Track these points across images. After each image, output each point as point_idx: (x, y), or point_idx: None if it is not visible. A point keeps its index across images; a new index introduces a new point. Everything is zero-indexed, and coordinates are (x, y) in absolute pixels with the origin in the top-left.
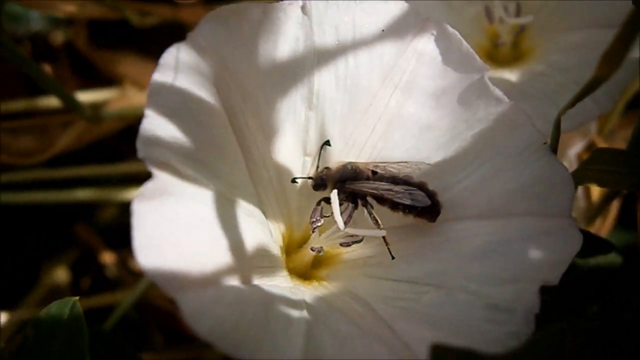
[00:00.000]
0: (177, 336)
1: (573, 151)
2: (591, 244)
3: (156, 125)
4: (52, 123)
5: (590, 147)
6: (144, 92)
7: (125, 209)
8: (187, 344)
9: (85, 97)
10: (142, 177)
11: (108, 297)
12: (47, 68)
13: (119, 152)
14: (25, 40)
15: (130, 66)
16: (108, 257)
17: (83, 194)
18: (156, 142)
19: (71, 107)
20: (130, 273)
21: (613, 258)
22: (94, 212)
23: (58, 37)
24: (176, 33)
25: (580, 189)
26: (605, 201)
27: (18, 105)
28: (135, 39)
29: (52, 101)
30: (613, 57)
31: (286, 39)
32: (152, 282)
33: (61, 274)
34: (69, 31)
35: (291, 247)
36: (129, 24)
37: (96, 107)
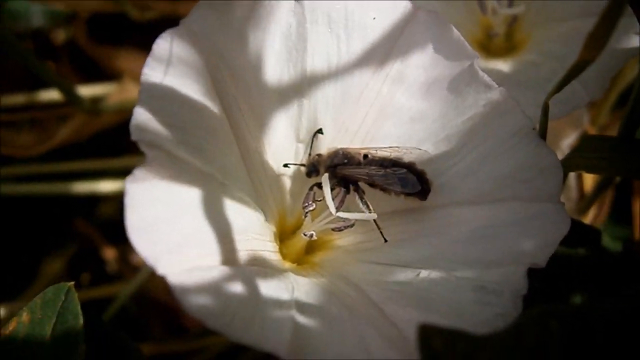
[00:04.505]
0: (177, 328)
1: (566, 142)
2: (582, 234)
3: (149, 109)
4: (52, 116)
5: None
6: None
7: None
8: (186, 336)
9: (85, 91)
10: None
11: (107, 289)
12: (49, 65)
13: (120, 146)
14: (28, 38)
15: (130, 61)
16: (108, 252)
17: (82, 187)
18: (149, 125)
19: (71, 99)
20: (130, 268)
21: (603, 248)
22: (94, 207)
23: (60, 35)
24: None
25: (573, 179)
26: (598, 191)
27: (18, 99)
28: (135, 33)
29: (51, 95)
30: (597, 40)
31: (278, 26)
32: (151, 275)
33: (61, 269)
34: (70, 28)
35: (285, 233)
36: (128, 18)
37: (96, 100)
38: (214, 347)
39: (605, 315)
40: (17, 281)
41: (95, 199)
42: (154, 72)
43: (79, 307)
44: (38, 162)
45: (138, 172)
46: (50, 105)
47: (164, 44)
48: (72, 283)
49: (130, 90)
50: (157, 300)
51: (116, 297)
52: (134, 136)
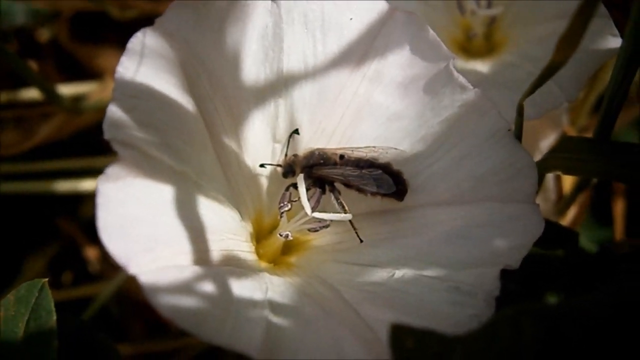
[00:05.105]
0: (158, 328)
1: (545, 143)
2: (558, 235)
3: (123, 107)
4: (35, 115)
5: None
6: None
7: None
8: (167, 336)
9: (66, 89)
10: None
11: (88, 289)
12: (33, 64)
13: (102, 145)
14: (12, 37)
15: (110, 59)
16: (90, 252)
17: (65, 186)
18: (122, 123)
19: (51, 98)
20: (112, 268)
21: (580, 249)
22: (77, 206)
23: (44, 34)
24: None
25: (551, 180)
26: (576, 192)
27: (1, 97)
28: (116, 32)
29: (32, 93)
30: (569, 41)
31: (255, 26)
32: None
33: (43, 268)
34: (53, 27)
35: (261, 234)
36: (109, 17)
37: (77, 99)
38: (194, 347)
39: (581, 314)
40: None
41: (78, 198)
42: (127, 70)
43: (52, 304)
44: (21, 161)
45: (110, 171)
46: (34, 104)
47: (137, 43)
48: (46, 280)
49: (111, 89)
50: (138, 300)
51: (97, 297)
52: (106, 134)
